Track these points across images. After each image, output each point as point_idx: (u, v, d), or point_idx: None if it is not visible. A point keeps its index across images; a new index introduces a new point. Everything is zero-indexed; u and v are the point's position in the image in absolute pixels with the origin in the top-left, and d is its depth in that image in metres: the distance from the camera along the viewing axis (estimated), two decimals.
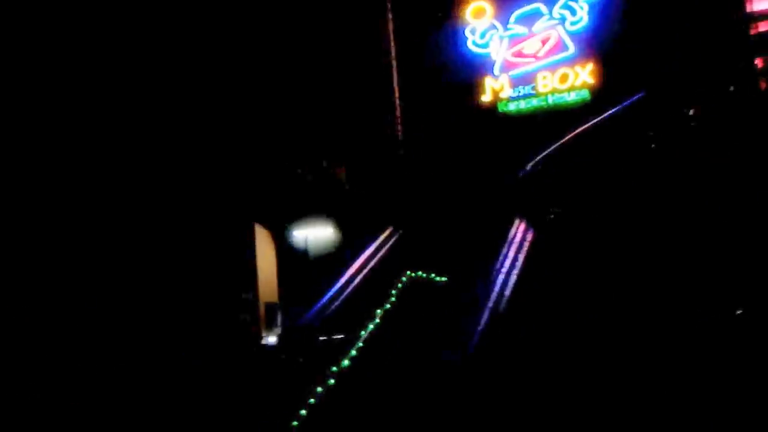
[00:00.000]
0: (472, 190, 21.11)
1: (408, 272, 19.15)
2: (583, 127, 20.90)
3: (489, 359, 14.34)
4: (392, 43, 23.34)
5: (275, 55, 23.56)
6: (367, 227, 21.64)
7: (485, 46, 23.55)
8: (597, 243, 17.39)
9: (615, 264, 16.27)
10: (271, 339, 21.02)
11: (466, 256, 19.10)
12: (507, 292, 16.89)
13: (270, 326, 21.68)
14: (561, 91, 22.92)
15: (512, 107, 23.18)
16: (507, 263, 17.82)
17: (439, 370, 14.30)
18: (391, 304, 18.48)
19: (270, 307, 22.11)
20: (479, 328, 15.44)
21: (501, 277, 17.27)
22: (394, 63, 23.15)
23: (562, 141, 20.75)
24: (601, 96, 22.59)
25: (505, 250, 18.27)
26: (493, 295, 16.58)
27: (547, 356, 13.73)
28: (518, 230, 19.07)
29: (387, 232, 20.63)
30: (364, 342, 17.16)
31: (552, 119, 22.75)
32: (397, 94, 23.03)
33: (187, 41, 22.81)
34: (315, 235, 23.03)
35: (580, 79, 22.93)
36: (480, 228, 19.93)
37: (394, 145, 22.91)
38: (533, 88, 23.15)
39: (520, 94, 23.15)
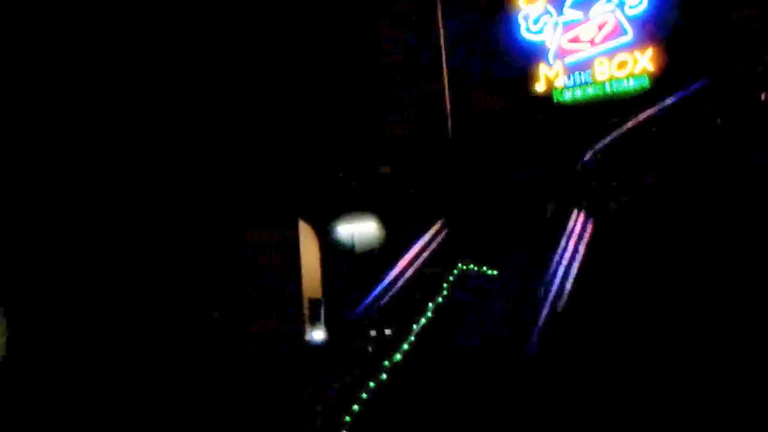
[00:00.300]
0: (526, 181, 20.28)
1: (459, 265, 18.49)
2: (645, 115, 19.86)
3: (551, 359, 13.46)
4: (441, 32, 22.49)
5: (320, 51, 23.14)
6: (416, 221, 21.02)
7: (539, 32, 22.64)
8: (662, 235, 16.39)
9: (683, 259, 15.26)
10: (315, 334, 20.67)
11: (520, 249, 18.29)
12: (568, 286, 16.01)
13: (313, 321, 21.26)
14: (619, 79, 21.88)
15: (568, 96, 22.23)
16: (567, 255, 16.90)
17: (496, 369, 13.52)
18: (443, 297, 17.78)
19: (314, 303, 21.77)
20: (539, 325, 14.59)
21: (561, 270, 16.37)
22: (443, 52, 22.31)
23: (622, 130, 19.74)
24: (661, 83, 21.51)
25: (564, 243, 17.34)
26: (553, 289, 15.67)
27: (616, 361, 12.71)
28: (577, 222, 18.16)
29: (437, 225, 19.89)
30: (416, 336, 16.52)
31: (609, 108, 21.76)
32: (446, 85, 22.19)
33: (236, 45, 22.90)
34: (359, 230, 22.65)
35: (639, 66, 21.85)
36: (535, 220, 19.11)
37: (443, 138, 22.08)
38: (590, 75, 22.15)
39: (576, 82, 22.17)
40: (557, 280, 15.98)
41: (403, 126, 22.40)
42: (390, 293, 18.22)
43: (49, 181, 23.69)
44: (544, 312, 14.97)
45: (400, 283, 18.52)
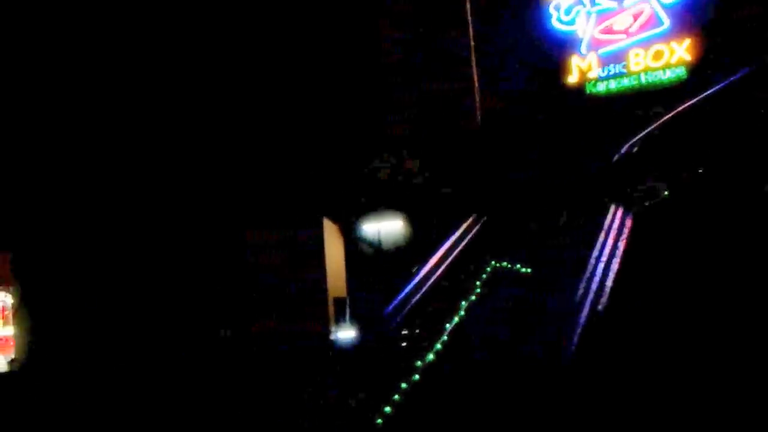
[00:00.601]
0: (559, 175, 19.64)
1: (492, 262, 17.91)
2: (686, 105, 19.15)
3: (592, 362, 12.67)
4: (469, 22, 21.88)
5: (342, 44, 22.65)
6: (446, 217, 20.51)
7: (571, 23, 21.95)
8: (706, 232, 15.66)
9: (729, 256, 14.54)
10: (342, 333, 20.14)
11: (555, 245, 17.66)
12: (609, 283, 15.32)
13: (339, 320, 20.85)
14: (655, 69, 21.15)
15: (601, 88, 21.54)
16: (606, 251, 16.23)
17: (531, 373, 12.82)
18: (476, 295, 17.20)
19: (339, 302, 21.43)
20: (580, 324, 13.90)
21: (601, 266, 15.70)
22: (471, 43, 21.69)
23: (661, 121, 19.04)
24: (699, 73, 20.79)
25: (602, 238, 16.67)
26: (593, 287, 15.03)
27: (663, 367, 11.87)
28: (615, 217, 17.49)
29: (469, 221, 19.28)
30: (449, 335, 15.95)
31: (644, 99, 21.06)
32: (476, 77, 21.58)
33: (264, 45, 22.43)
34: (385, 228, 21.98)
35: (675, 56, 21.11)
36: (569, 215, 18.47)
37: (472, 131, 21.47)
38: (624, 66, 21.45)
39: (610, 73, 21.49)
40: (597, 278, 15.32)
41: (431, 121, 21.78)
42: (421, 291, 17.55)
43: (54, 183, 23.48)
44: (584, 312, 14.31)
45: (431, 281, 17.86)
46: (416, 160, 22.68)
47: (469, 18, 21.96)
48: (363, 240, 22.54)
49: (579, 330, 13.61)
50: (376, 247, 22.44)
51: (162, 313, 21.67)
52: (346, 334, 20.42)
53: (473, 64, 21.59)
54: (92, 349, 21.32)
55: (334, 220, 22.91)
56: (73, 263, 23.20)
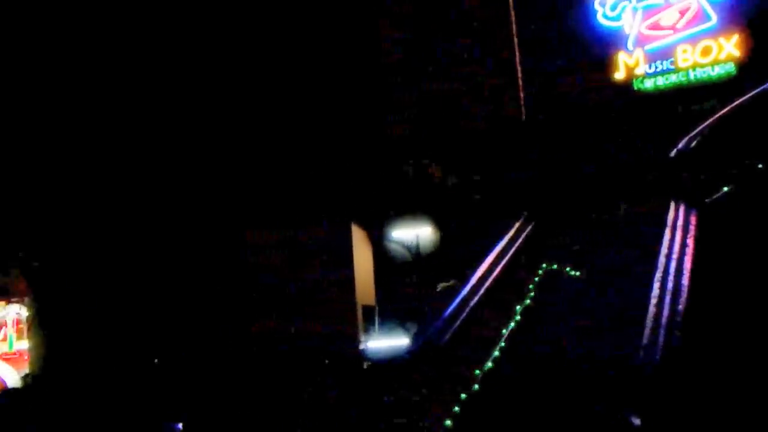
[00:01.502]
0: (609, 172, 18.98)
1: (544, 264, 17.23)
2: (743, 99, 18.62)
3: (681, 368, 11.78)
4: (513, 19, 21.31)
5: (372, 43, 22.12)
6: (483, 220, 19.79)
7: (617, 18, 21.43)
8: None
9: None
10: (371, 343, 19.29)
11: (613, 244, 16.93)
12: (685, 282, 14.56)
13: (368, 329, 20.30)
14: (703, 66, 20.63)
15: (649, 84, 20.98)
16: (676, 249, 15.51)
17: (609, 377, 11.99)
18: (530, 299, 16.45)
19: (367, 310, 20.82)
20: (662, 325, 13.09)
21: (673, 264, 14.96)
22: (515, 40, 21.11)
23: (717, 115, 18.47)
24: (749, 69, 20.29)
25: (668, 236, 15.97)
26: (668, 285, 14.24)
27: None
28: (679, 213, 16.81)
29: (517, 224, 18.51)
30: (506, 341, 15.16)
31: (693, 95, 20.55)
32: (519, 74, 20.96)
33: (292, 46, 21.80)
34: (417, 234, 21.03)
35: (724, 52, 20.59)
36: (625, 212, 17.78)
37: (516, 131, 20.81)
38: (672, 62, 20.90)
39: (657, 69, 20.93)
40: (670, 277, 14.56)
41: (474, 121, 21.12)
42: (477, 295, 16.65)
43: (65, 196, 23.18)
44: (664, 312, 13.47)
45: (487, 284, 17.01)
46: (438, 166, 22.12)
47: (513, 16, 21.39)
48: (393, 246, 21.82)
49: (662, 332, 12.88)
50: (408, 253, 21.77)
51: (180, 320, 21.09)
52: (376, 343, 19.60)
53: (517, 62, 20.95)
54: (105, 359, 20.63)
55: (363, 227, 22.18)
56: (85, 275, 22.74)
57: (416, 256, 21.82)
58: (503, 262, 17.50)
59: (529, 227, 18.31)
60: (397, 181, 22.21)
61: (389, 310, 20.66)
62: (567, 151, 20.02)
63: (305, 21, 22.34)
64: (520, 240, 18.04)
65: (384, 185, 21.97)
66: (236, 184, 22.18)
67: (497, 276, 17.16)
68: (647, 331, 12.83)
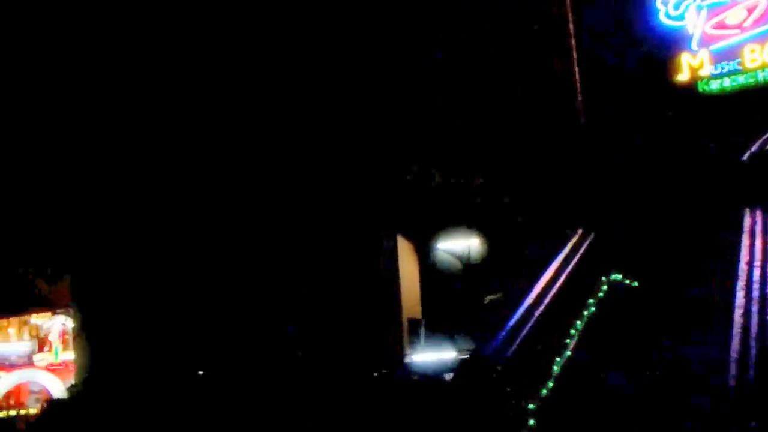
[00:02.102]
0: (677, 177, 18.12)
1: (605, 278, 16.34)
2: None
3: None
4: (570, 18, 20.61)
5: (425, 46, 21.59)
6: (542, 231, 19.12)
7: (680, 18, 20.52)
8: None
9: None
10: (417, 357, 19.32)
11: (682, 255, 16.04)
12: None
13: (414, 343, 20.21)
14: None
15: (714, 86, 20.06)
16: (758, 256, 14.60)
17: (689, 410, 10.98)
18: (590, 313, 15.63)
19: (413, 323, 20.68)
20: (750, 337, 12.14)
21: (756, 272, 14.03)
22: (572, 41, 20.42)
23: None
24: None
25: (746, 241, 15.08)
26: (754, 294, 13.34)
27: None
28: (756, 219, 15.88)
29: (576, 236, 17.69)
30: (568, 360, 14.31)
31: (761, 97, 19.58)
32: (577, 77, 20.25)
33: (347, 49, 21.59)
34: (466, 245, 21.26)
35: None
36: (694, 220, 16.87)
37: (574, 136, 20.06)
38: (739, 63, 19.95)
39: (723, 70, 19.99)
40: (755, 285, 13.62)
41: (526, 127, 20.40)
42: (538, 311, 15.75)
43: (116, 203, 23.08)
44: (753, 324, 12.53)
45: (547, 299, 16.16)
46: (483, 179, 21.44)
47: (570, 15, 20.69)
48: (441, 258, 21.60)
49: (753, 344, 11.92)
50: (458, 264, 21.53)
51: (224, 332, 21.08)
52: (422, 356, 19.12)
53: (575, 64, 20.24)
54: (152, 371, 20.77)
55: (408, 237, 21.87)
56: (135, 285, 22.68)
57: (465, 267, 21.51)
58: (564, 274, 16.61)
59: (591, 236, 17.50)
60: (444, 192, 21.60)
61: (435, 323, 20.39)
62: (628, 157, 19.19)
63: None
64: (582, 249, 17.22)
65: (431, 196, 21.42)
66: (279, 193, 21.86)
67: (558, 289, 16.32)
68: (734, 344, 11.98)
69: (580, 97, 20.06)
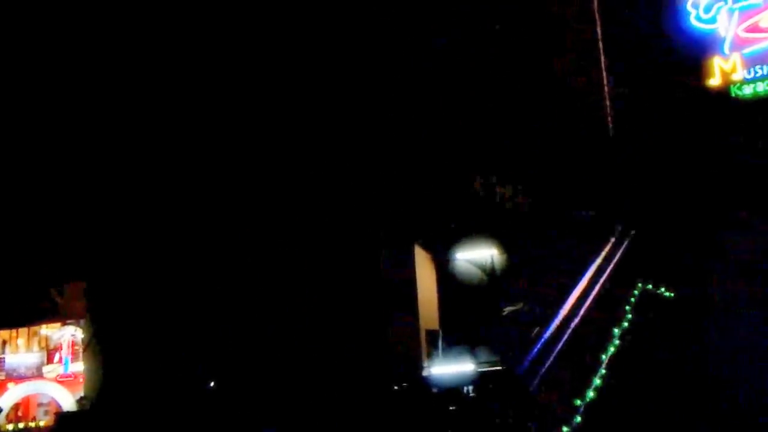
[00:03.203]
0: (711, 183, 17.57)
1: (639, 284, 15.93)
2: None
3: None
4: (598, 22, 20.12)
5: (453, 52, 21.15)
6: (563, 240, 18.41)
7: (711, 21, 20.03)
8: None
9: None
10: (434, 369, 18.71)
11: (723, 263, 15.44)
12: None
13: (432, 355, 19.68)
14: None
15: (747, 90, 19.46)
16: None
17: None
18: (628, 321, 15.03)
19: (431, 334, 20.25)
20: None
21: None
22: (600, 45, 19.91)
23: None
24: None
25: None
26: None
27: None
28: None
29: (613, 240, 17.10)
30: (606, 368, 13.69)
31: None
32: (605, 81, 19.70)
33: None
34: (485, 255, 20.69)
35: None
36: (732, 228, 16.25)
37: (604, 142, 19.49)
38: None
39: (757, 74, 19.38)
40: None
41: (554, 133, 19.85)
42: (571, 324, 15.04)
43: (132, 212, 22.83)
44: None
45: (582, 309, 15.46)
46: (509, 186, 20.94)
47: (598, 20, 20.19)
48: (460, 268, 21.14)
49: None
50: (481, 273, 20.95)
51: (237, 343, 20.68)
52: (441, 369, 18.53)
53: (603, 70, 19.70)
54: (163, 383, 20.45)
55: (426, 248, 21.46)
56: (147, 296, 22.29)
57: (485, 277, 20.87)
58: (598, 285, 16.03)
59: (626, 243, 16.89)
60: (463, 201, 21.23)
61: (453, 335, 19.86)
62: (660, 165, 18.62)
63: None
64: (616, 258, 16.60)
65: (450, 205, 21.05)
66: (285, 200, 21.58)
67: (592, 300, 15.69)
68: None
69: (608, 103, 19.46)
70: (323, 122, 21.63)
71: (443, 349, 19.63)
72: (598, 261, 16.47)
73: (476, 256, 20.65)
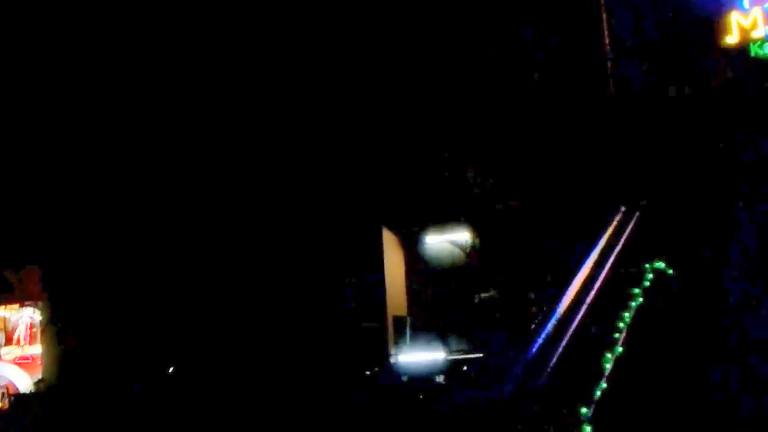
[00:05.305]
0: (722, 154, 15.65)
1: (647, 265, 13.69)
2: None
3: None
4: None
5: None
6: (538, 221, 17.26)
7: None
8: None
9: None
10: (402, 357, 18.21)
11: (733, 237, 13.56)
12: None
13: (399, 341, 19.27)
14: None
15: None
16: None
17: None
18: (638, 305, 13.07)
19: (399, 321, 19.81)
20: None
21: None
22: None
23: None
24: None
25: None
26: None
27: None
28: None
29: (618, 218, 15.12)
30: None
31: None
32: (606, 39, 17.76)
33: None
34: (455, 239, 19.94)
35: None
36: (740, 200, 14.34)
37: (602, 106, 17.57)
38: None
39: None
40: None
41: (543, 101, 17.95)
42: (577, 314, 13.12)
43: (89, 194, 21.79)
44: None
45: (589, 298, 13.55)
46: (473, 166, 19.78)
47: None
48: (429, 252, 20.42)
49: None
50: (445, 259, 20.31)
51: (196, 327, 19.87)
52: (409, 356, 18.09)
53: (604, 23, 17.74)
54: (122, 367, 19.78)
55: (394, 230, 20.68)
56: (108, 277, 21.53)
57: (461, 261, 20.09)
58: (605, 270, 14.00)
59: (632, 222, 14.88)
60: (433, 181, 20.19)
61: (422, 321, 19.53)
62: (669, 132, 16.68)
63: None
64: (622, 240, 14.57)
65: (419, 185, 20.02)
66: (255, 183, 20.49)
67: (598, 289, 13.68)
68: None
69: (609, 65, 17.50)
70: (302, 111, 20.48)
71: (411, 336, 19.13)
72: (605, 238, 14.44)
73: (448, 238, 19.89)
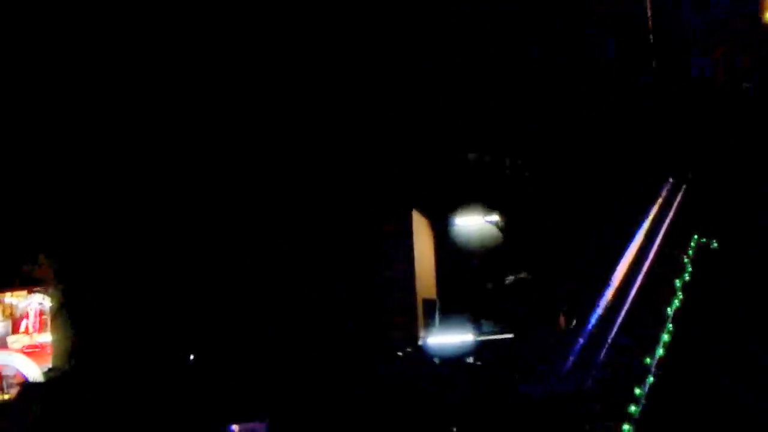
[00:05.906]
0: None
1: (695, 237, 13.92)
2: None
3: None
4: None
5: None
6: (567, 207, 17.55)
7: None
8: None
9: None
10: (431, 339, 18.27)
11: None
12: None
13: (428, 325, 19.27)
14: None
15: None
16: None
17: None
18: (689, 275, 12.88)
19: (428, 304, 19.68)
20: None
21: None
22: None
23: None
24: None
25: None
26: None
27: None
28: None
29: (664, 194, 14.86)
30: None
31: None
32: (649, 13, 17.39)
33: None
34: (483, 224, 19.92)
35: None
36: None
37: (644, 85, 17.27)
38: None
39: None
40: None
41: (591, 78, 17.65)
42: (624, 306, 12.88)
43: (102, 182, 21.47)
44: None
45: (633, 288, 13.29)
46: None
47: None
48: (458, 235, 20.39)
49: None
50: (475, 242, 20.25)
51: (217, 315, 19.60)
52: (438, 339, 18.19)
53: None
54: (136, 355, 19.52)
55: (425, 214, 20.54)
56: (120, 264, 21.17)
57: (491, 244, 20.07)
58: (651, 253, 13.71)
59: (679, 197, 14.57)
60: (464, 163, 20.46)
61: (451, 304, 19.50)
62: (704, 113, 16.38)
63: None
64: (668, 219, 14.24)
65: (450, 167, 20.23)
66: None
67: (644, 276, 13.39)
68: None
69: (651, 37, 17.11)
70: (317, 96, 20.39)
71: (440, 319, 19.22)
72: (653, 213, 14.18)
73: (479, 220, 19.85)
